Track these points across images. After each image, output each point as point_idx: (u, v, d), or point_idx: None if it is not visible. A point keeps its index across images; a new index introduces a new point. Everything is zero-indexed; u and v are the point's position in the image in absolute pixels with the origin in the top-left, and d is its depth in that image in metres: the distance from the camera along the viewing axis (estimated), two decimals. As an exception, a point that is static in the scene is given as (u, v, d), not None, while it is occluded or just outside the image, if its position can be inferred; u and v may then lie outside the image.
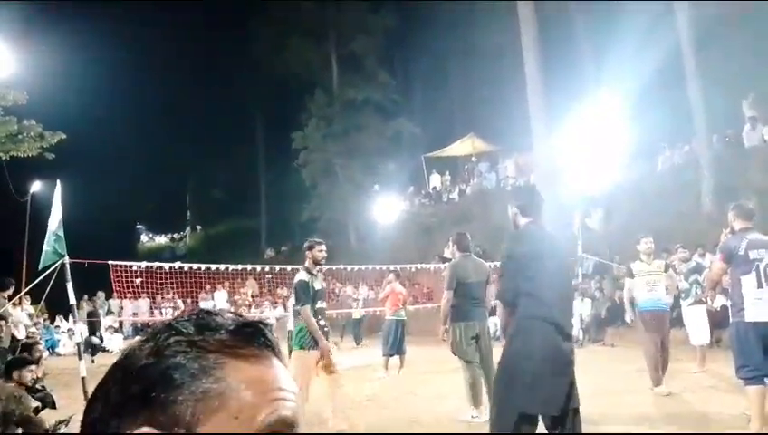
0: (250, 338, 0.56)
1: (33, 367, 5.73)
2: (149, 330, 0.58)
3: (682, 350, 8.31)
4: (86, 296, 16.07)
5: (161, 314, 15.38)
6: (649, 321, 6.67)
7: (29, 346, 6.97)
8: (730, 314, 4.99)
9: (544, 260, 3.46)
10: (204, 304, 16.94)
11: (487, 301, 6.04)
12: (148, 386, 0.52)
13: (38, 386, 6.31)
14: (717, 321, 8.57)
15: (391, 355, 9.50)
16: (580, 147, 16.35)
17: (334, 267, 15.59)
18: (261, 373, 0.55)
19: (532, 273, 3.40)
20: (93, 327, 14.75)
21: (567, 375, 3.31)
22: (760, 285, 4.47)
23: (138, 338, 0.59)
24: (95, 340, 14.69)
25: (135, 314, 17.44)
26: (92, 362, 13.16)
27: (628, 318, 7.53)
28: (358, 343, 14.62)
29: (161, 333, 0.56)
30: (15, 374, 5.41)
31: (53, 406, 6.14)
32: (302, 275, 5.39)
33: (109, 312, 17.34)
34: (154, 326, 0.58)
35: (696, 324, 7.85)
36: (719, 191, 13.01)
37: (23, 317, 10.58)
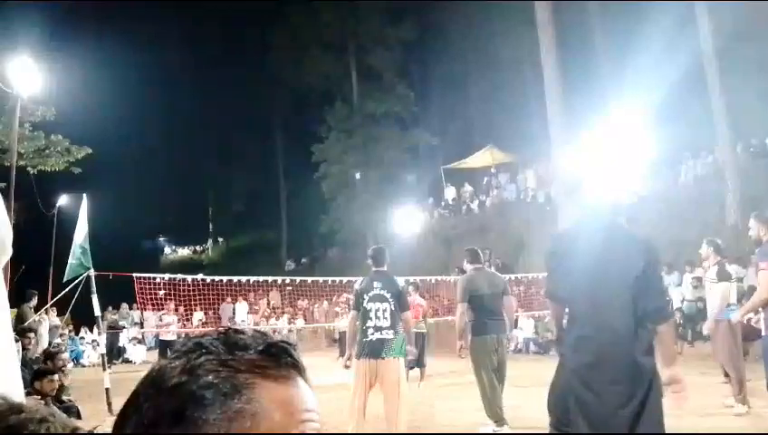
0: (277, 358, 0.57)
1: (54, 377, 5.75)
2: (178, 346, 0.59)
3: (705, 363, 8.15)
4: (110, 307, 16.30)
5: (183, 326, 15.51)
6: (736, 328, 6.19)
7: (51, 355, 7.00)
8: (763, 328, 4.81)
9: (593, 262, 2.88)
10: (224, 316, 17.08)
11: (506, 313, 6.00)
12: (182, 404, 0.53)
13: (63, 397, 6.37)
14: (744, 334, 8.38)
15: (411, 368, 9.52)
16: (602, 157, 16.21)
17: (353, 279, 15.60)
18: (289, 394, 0.56)
19: (582, 276, 2.87)
20: (115, 337, 15.03)
21: (614, 398, 2.76)
22: None
23: (168, 354, 0.60)
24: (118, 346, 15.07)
25: (158, 326, 17.61)
26: (109, 367, 13.42)
27: (706, 329, 6.80)
28: (341, 354, 14.01)
29: (192, 351, 0.56)
30: (37, 385, 5.41)
31: (78, 416, 6.21)
32: (401, 282, 5.29)
33: (132, 323, 17.56)
34: (182, 343, 0.59)
35: None
36: (744, 201, 12.80)
37: (43, 328, 10.78)
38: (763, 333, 4.70)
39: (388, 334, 4.90)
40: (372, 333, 4.92)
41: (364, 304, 5.00)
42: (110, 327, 15.10)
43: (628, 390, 2.75)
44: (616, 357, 2.79)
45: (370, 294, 5.02)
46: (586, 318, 2.86)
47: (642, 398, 2.74)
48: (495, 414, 5.63)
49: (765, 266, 4.47)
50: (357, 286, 5.21)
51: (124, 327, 15.95)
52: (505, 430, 5.54)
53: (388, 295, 5.00)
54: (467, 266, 6.07)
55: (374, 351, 4.88)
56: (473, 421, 6.15)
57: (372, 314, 4.95)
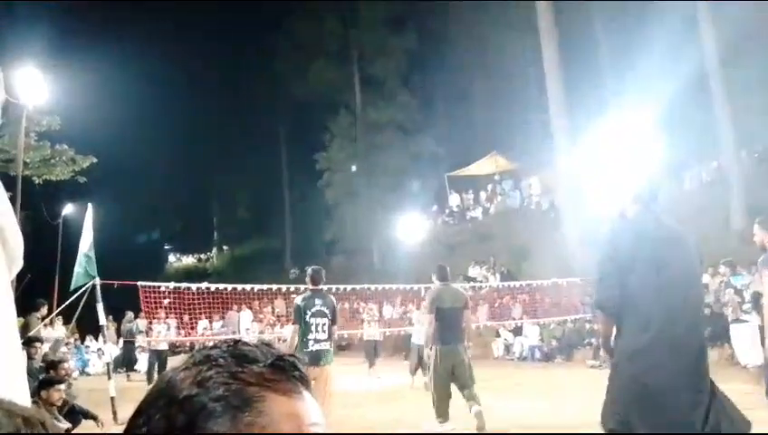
0: (286, 371, 0.58)
1: (61, 386, 5.72)
2: (187, 358, 0.59)
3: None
4: (111, 317, 16.27)
5: (187, 334, 15.51)
6: None
7: (54, 364, 6.88)
8: None
9: (658, 261, 2.69)
10: (230, 324, 17.05)
11: (466, 325, 6.62)
12: (193, 417, 0.53)
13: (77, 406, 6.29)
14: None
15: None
16: (605, 164, 16.18)
17: (357, 287, 15.61)
18: (297, 408, 0.57)
19: (641, 278, 2.66)
20: (131, 347, 15.03)
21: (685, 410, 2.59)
22: None
23: (177, 365, 0.60)
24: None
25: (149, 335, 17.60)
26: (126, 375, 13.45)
27: None
28: (371, 365, 13.02)
29: (201, 363, 0.57)
30: (44, 394, 5.38)
31: (91, 417, 6.14)
32: (334, 299, 6.09)
33: (137, 331, 17.52)
34: (192, 355, 0.60)
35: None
36: (749, 207, 12.75)
37: (50, 338, 10.79)
38: None
39: (326, 346, 5.65)
40: (313, 345, 5.57)
41: (306, 319, 5.63)
42: (126, 335, 15.01)
43: (701, 389, 2.66)
44: (692, 357, 2.67)
45: (313, 310, 5.67)
46: (657, 321, 2.64)
47: (712, 394, 2.67)
48: (444, 414, 6.23)
49: None
50: (299, 303, 5.79)
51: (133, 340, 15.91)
52: (448, 426, 6.18)
53: (327, 311, 5.71)
54: (436, 282, 6.73)
55: (314, 359, 5.48)
56: (470, 426, 6.13)
57: (313, 328, 5.62)
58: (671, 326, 2.64)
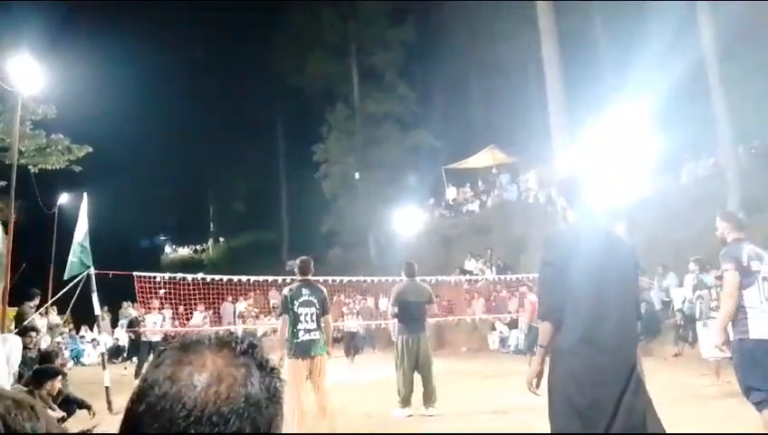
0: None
1: (57, 377, 5.71)
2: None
3: (706, 364, 8.14)
4: (106, 307, 16.24)
5: (182, 325, 15.49)
6: None
7: (49, 355, 6.85)
8: (731, 331, 4.53)
9: (595, 266, 2.79)
10: (225, 315, 17.05)
11: (427, 316, 7.24)
12: None
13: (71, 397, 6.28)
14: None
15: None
16: (603, 159, 16.20)
17: (354, 279, 15.63)
18: None
19: (576, 282, 2.76)
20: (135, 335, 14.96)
21: (615, 407, 2.65)
22: (762, 299, 4.11)
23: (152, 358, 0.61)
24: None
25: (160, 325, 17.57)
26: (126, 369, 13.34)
27: None
28: (347, 356, 13.87)
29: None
30: (39, 383, 5.39)
31: (85, 406, 6.12)
32: (325, 289, 6.15)
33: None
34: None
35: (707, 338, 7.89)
36: (745, 203, 12.78)
37: (42, 327, 10.74)
38: (731, 338, 4.39)
39: (316, 335, 5.55)
40: (303, 335, 5.52)
41: (294, 309, 5.55)
42: (130, 325, 14.93)
43: (632, 394, 2.72)
44: (624, 362, 2.77)
45: (300, 299, 5.59)
46: (592, 327, 2.73)
47: (641, 399, 2.76)
48: (406, 399, 6.80)
49: (730, 267, 4.19)
50: (287, 293, 5.70)
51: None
52: (408, 411, 6.76)
53: (315, 301, 5.64)
54: (403, 278, 7.26)
55: (304, 351, 5.50)
56: (473, 424, 6.14)
57: (302, 318, 5.55)
58: (603, 329, 2.73)
